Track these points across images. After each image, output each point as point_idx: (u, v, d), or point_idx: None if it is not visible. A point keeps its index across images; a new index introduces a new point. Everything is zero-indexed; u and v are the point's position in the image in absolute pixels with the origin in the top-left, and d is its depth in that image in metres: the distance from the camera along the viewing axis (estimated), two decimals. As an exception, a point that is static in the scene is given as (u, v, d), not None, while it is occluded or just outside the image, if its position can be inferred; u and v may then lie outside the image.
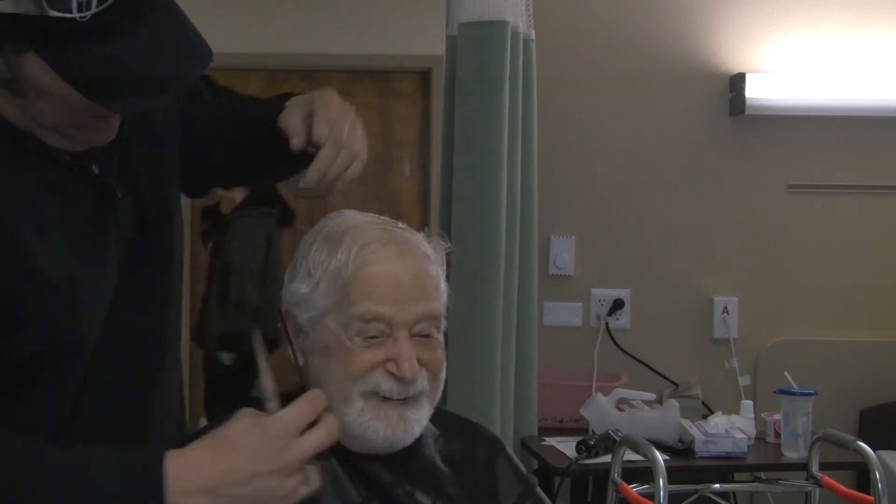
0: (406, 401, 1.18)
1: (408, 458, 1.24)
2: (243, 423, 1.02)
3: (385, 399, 1.17)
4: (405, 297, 1.18)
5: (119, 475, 0.96)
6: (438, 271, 1.24)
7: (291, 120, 1.26)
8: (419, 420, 1.20)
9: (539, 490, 1.36)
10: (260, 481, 0.99)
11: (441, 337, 1.23)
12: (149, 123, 1.25)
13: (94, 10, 0.93)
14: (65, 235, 1.09)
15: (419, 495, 1.22)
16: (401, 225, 1.26)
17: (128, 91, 0.99)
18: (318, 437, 1.03)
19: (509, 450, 1.36)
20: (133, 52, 0.96)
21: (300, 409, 1.03)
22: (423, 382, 1.19)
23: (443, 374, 1.23)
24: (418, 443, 1.25)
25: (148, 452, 1.00)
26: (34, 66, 0.97)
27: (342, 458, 1.20)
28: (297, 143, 1.24)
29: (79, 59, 0.95)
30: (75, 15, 0.93)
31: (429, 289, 1.20)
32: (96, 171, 1.14)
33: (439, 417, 1.32)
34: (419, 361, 1.18)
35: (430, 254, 1.24)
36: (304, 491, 1.02)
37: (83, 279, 1.10)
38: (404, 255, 1.20)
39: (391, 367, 1.16)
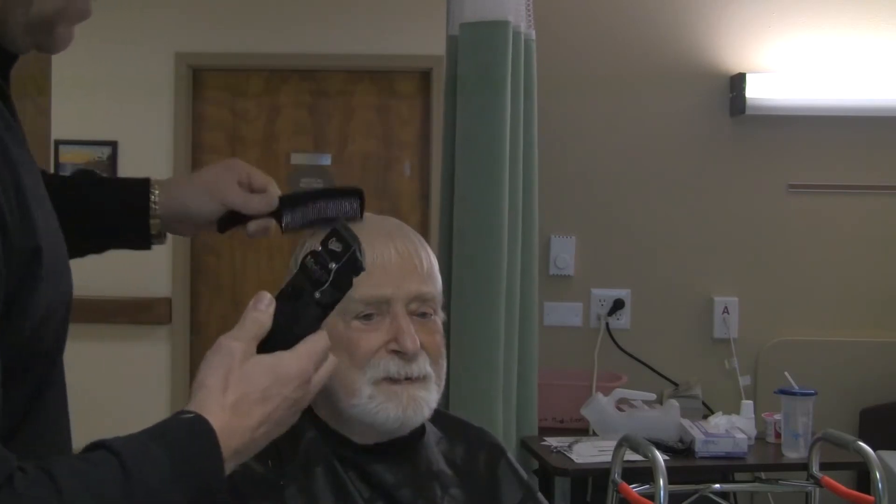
0: (412, 381, 1.20)
1: (412, 460, 1.24)
2: (259, 368, 0.93)
3: (392, 381, 1.19)
4: (399, 275, 1.21)
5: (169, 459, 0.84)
6: (431, 259, 1.26)
7: (227, 193, 1.25)
8: (428, 401, 1.22)
9: (540, 495, 1.37)
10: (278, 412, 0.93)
11: (439, 321, 1.26)
12: None
13: None
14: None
15: (424, 496, 1.23)
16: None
17: None
18: (326, 371, 0.97)
19: (510, 455, 1.38)
20: None
21: (306, 361, 0.96)
22: (425, 365, 1.21)
23: (443, 362, 1.25)
24: (422, 444, 1.26)
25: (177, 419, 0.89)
26: None
27: (346, 458, 1.21)
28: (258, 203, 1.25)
29: None
30: None
31: (421, 270, 1.23)
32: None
33: (442, 421, 1.33)
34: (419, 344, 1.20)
35: (420, 240, 1.27)
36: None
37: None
38: (395, 238, 1.24)
39: (393, 345, 1.19)
